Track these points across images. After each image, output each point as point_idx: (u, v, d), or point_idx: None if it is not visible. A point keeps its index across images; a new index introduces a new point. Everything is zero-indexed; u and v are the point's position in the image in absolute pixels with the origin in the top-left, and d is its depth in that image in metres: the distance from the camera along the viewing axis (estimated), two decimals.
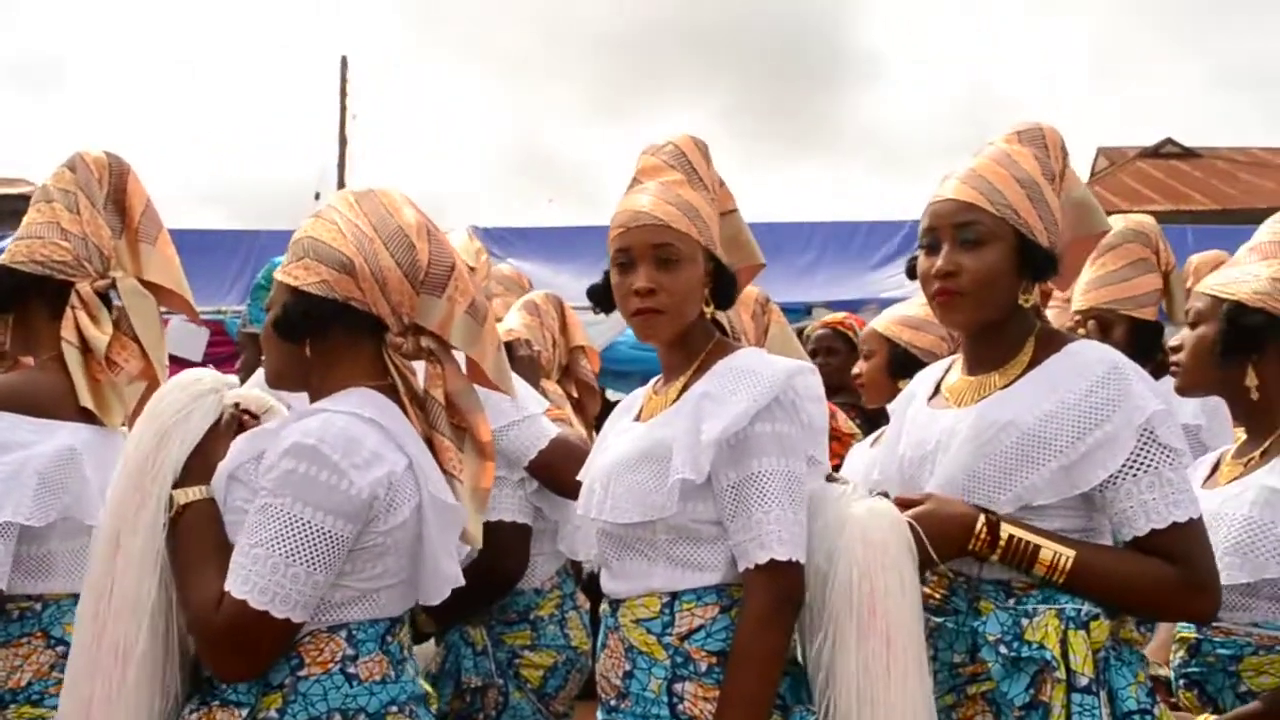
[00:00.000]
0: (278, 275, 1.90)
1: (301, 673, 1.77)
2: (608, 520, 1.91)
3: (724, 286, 1.98)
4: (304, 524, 1.72)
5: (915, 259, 1.98)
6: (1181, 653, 2.09)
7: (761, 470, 1.80)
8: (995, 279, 1.87)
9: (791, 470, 1.82)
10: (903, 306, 3.17)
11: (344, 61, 21.61)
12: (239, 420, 1.95)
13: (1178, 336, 2.27)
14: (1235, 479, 2.12)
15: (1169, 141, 19.34)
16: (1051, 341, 1.90)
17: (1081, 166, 21.79)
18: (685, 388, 1.93)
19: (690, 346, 1.97)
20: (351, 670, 1.80)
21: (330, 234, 1.85)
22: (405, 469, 1.80)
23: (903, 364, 3.13)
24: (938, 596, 1.88)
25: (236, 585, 1.71)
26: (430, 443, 1.90)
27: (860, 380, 3.06)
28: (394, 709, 1.82)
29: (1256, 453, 2.12)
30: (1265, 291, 2.10)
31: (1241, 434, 2.24)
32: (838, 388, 3.91)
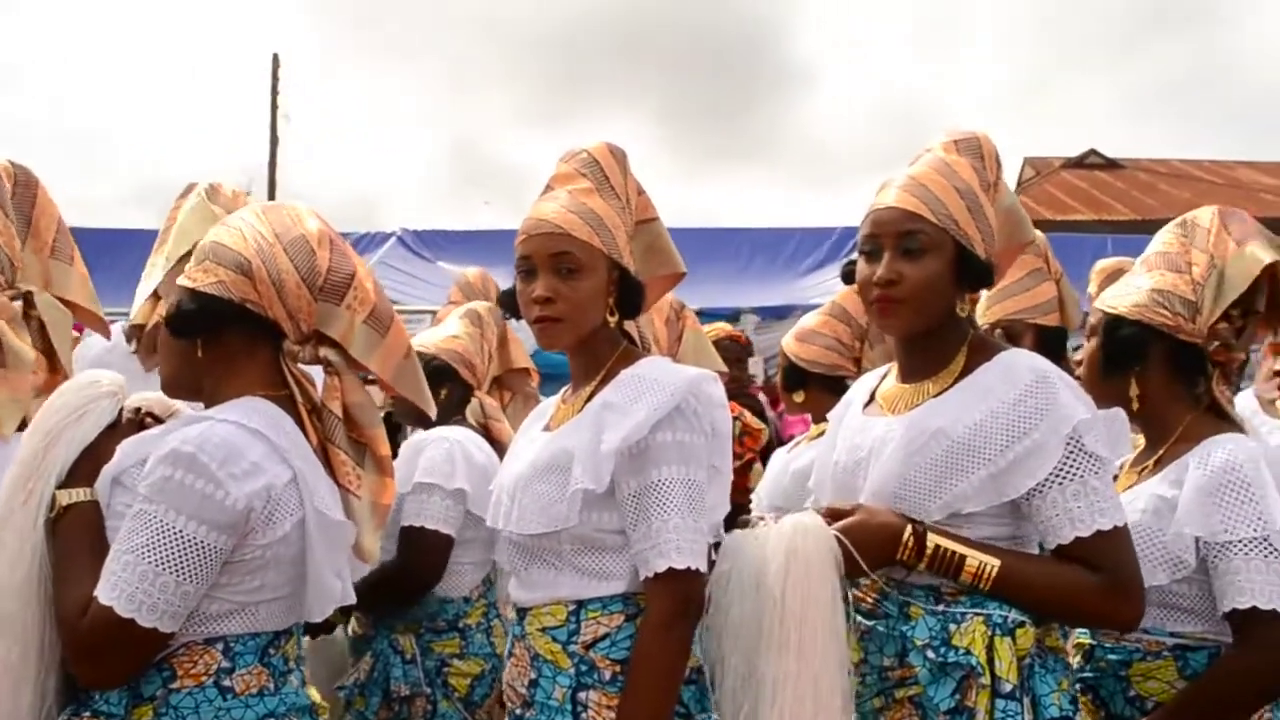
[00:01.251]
0: (178, 280, 1.88)
1: (174, 685, 1.75)
2: (514, 531, 1.91)
3: (629, 296, 1.98)
4: (176, 532, 1.69)
5: (852, 264, 1.99)
6: (1078, 658, 2.13)
7: (662, 479, 1.81)
8: (935, 288, 1.88)
9: (692, 479, 1.82)
10: (805, 318, 3.25)
11: (275, 59, 21.34)
12: (140, 424, 1.92)
13: (1083, 349, 2.32)
14: (1129, 487, 2.16)
15: (1092, 153, 19.72)
16: (983, 350, 1.92)
17: (1009, 176, 22.16)
18: (590, 397, 1.94)
19: (596, 355, 1.98)
20: (226, 683, 1.78)
21: (232, 238, 1.85)
22: (288, 483, 1.78)
23: (790, 376, 3.21)
24: (869, 601, 1.89)
25: (105, 591, 1.69)
26: (325, 455, 1.88)
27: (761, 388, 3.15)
28: None
29: (1150, 461, 2.17)
30: (1143, 304, 2.15)
31: (1142, 441, 2.28)
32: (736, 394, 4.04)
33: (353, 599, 1.95)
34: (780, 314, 7.49)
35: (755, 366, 6.99)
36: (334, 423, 1.89)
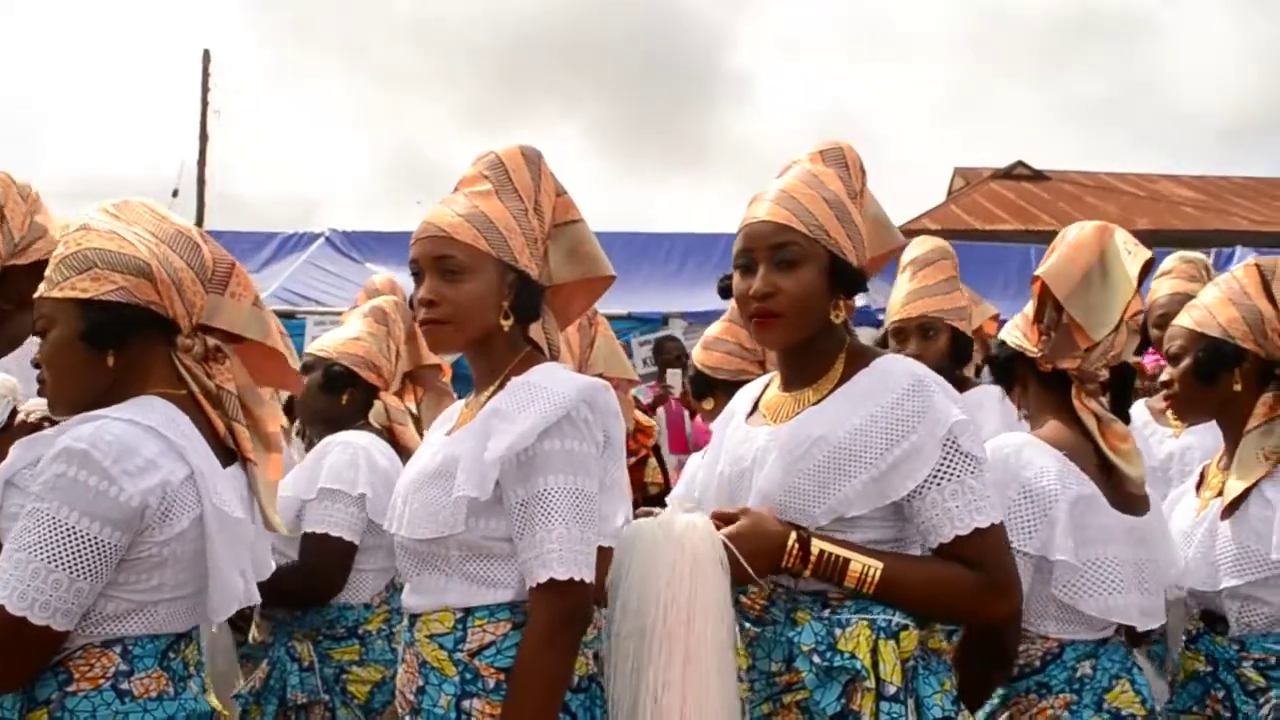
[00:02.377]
0: (54, 295, 1.84)
1: (70, 688, 1.73)
2: (404, 535, 1.90)
3: (527, 300, 1.96)
4: (68, 529, 1.68)
5: (728, 278, 1.99)
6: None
7: (548, 488, 1.79)
8: (811, 299, 1.90)
9: (580, 488, 1.80)
10: (711, 326, 3.27)
11: (206, 55, 21.05)
12: (37, 428, 1.93)
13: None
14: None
15: (1020, 164, 20.03)
16: (861, 357, 1.95)
17: (940, 185, 22.49)
18: (486, 403, 1.92)
19: (493, 360, 1.96)
20: (124, 687, 1.76)
21: (115, 243, 1.83)
22: (184, 479, 1.78)
23: (698, 384, 3.24)
24: (757, 606, 1.90)
25: None
26: (232, 434, 1.91)
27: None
28: None
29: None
30: (1008, 327, 2.32)
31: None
32: None
33: (257, 599, 1.94)
34: (709, 319, 7.47)
35: (674, 378, 7.02)
36: (232, 402, 1.92)
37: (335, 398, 3.07)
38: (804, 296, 1.90)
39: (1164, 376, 2.50)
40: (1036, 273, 2.22)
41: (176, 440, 1.79)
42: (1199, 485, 2.58)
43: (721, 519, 1.87)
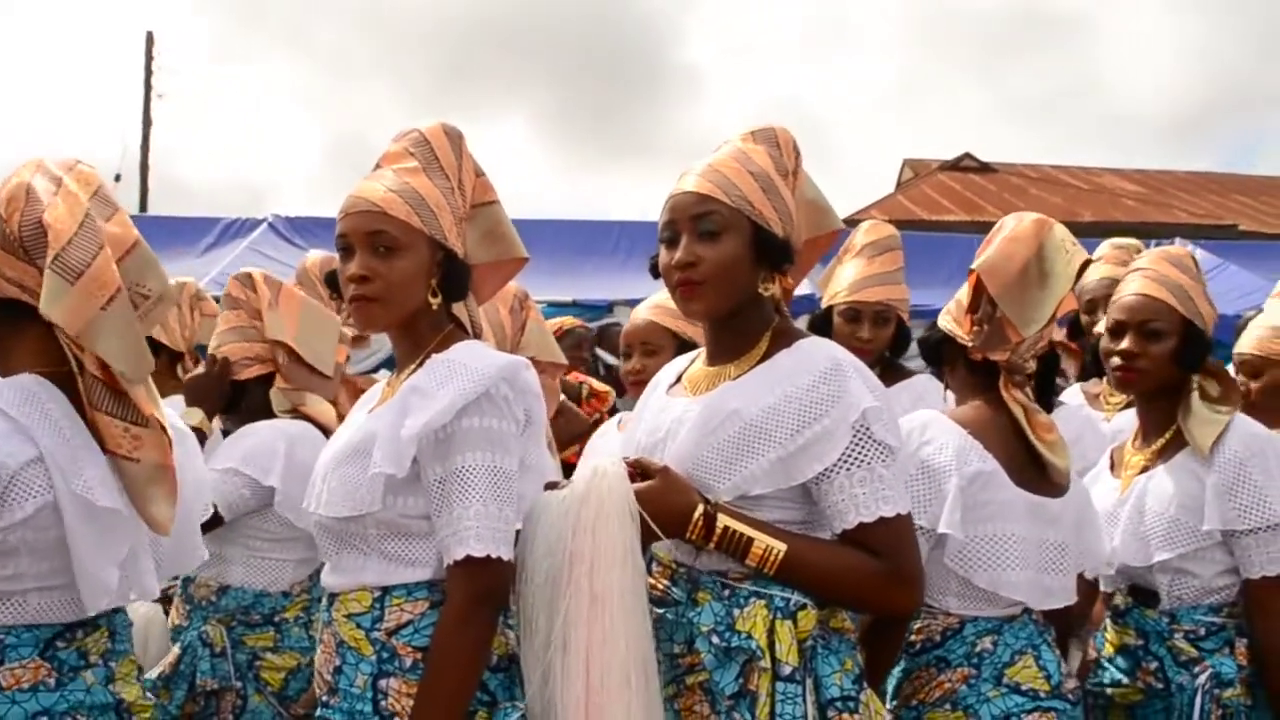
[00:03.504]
0: None
1: None
2: (322, 514, 1.88)
3: (454, 278, 1.95)
4: None
5: (656, 257, 1.99)
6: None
7: (465, 465, 1.77)
8: (733, 268, 1.89)
9: (498, 466, 1.79)
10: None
11: (150, 37, 20.76)
12: None
13: None
14: None
15: (967, 156, 20.19)
16: (785, 336, 1.94)
17: (889, 176, 22.63)
18: (405, 380, 1.90)
19: (417, 338, 1.94)
20: None
21: None
22: (27, 463, 1.68)
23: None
24: (660, 587, 1.89)
25: None
26: (95, 425, 1.76)
27: (645, 376, 3.13)
28: (43, 719, 1.72)
29: None
30: (942, 311, 2.36)
31: None
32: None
33: (153, 593, 1.87)
34: None
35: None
36: (94, 386, 1.75)
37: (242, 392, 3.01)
38: (726, 265, 1.89)
39: (1127, 344, 2.47)
40: (973, 266, 2.23)
41: (25, 421, 1.70)
42: (1112, 467, 2.61)
43: (640, 469, 1.86)
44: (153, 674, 2.83)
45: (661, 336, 3.06)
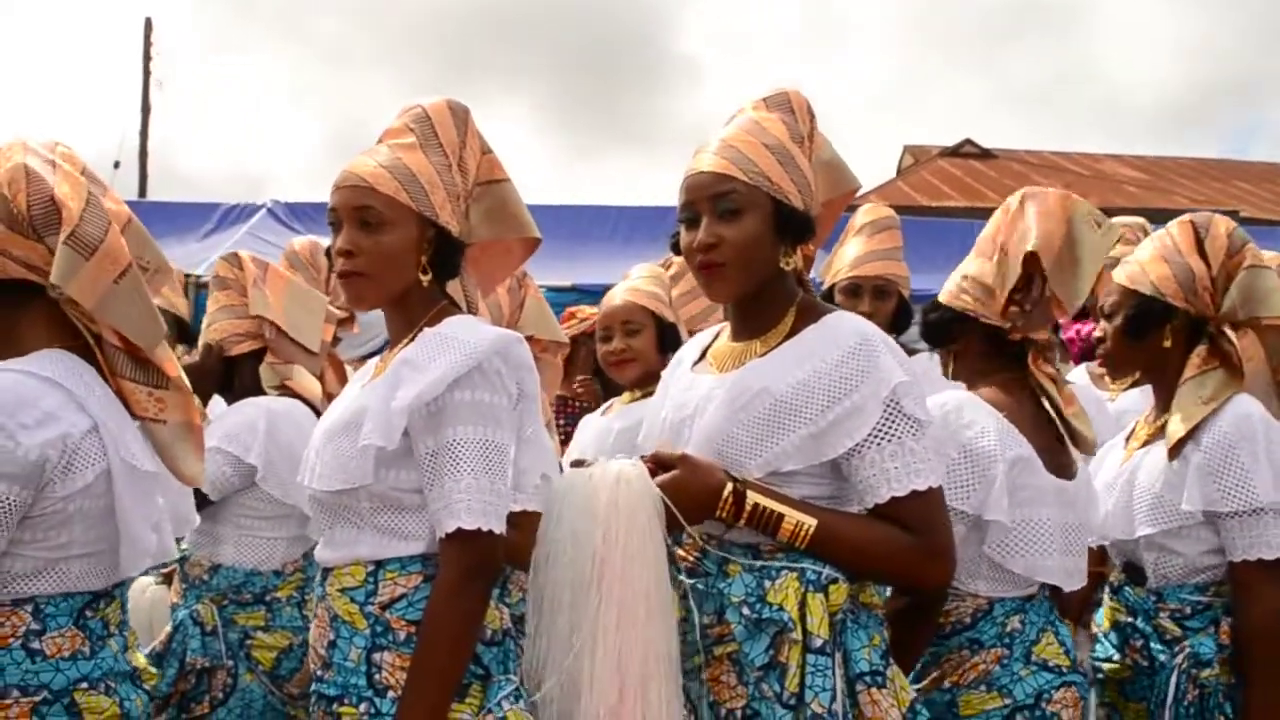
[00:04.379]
0: None
1: None
2: (315, 487, 1.88)
3: (446, 256, 1.94)
4: None
5: (678, 234, 1.98)
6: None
7: (457, 439, 1.77)
8: (755, 247, 1.88)
9: (490, 439, 1.78)
10: (651, 283, 3.24)
11: (148, 24, 20.70)
12: None
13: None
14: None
15: (968, 142, 20.14)
16: (811, 311, 1.93)
17: (890, 164, 22.59)
18: (398, 354, 1.89)
19: (409, 314, 1.93)
20: (35, 645, 1.73)
21: None
22: (86, 431, 1.73)
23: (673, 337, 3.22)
24: (691, 559, 1.89)
25: None
26: (120, 393, 1.82)
27: (629, 356, 3.13)
28: (84, 685, 1.76)
29: None
30: (950, 290, 2.30)
31: None
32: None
33: (174, 554, 1.90)
34: None
35: None
36: (115, 354, 1.82)
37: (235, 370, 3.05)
38: (748, 245, 1.88)
39: (1097, 332, 2.52)
40: (1029, 248, 2.18)
41: (78, 392, 1.74)
42: (1128, 439, 2.61)
43: (659, 463, 1.86)
44: (145, 651, 2.80)
45: (642, 316, 3.07)
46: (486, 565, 1.78)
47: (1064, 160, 20.23)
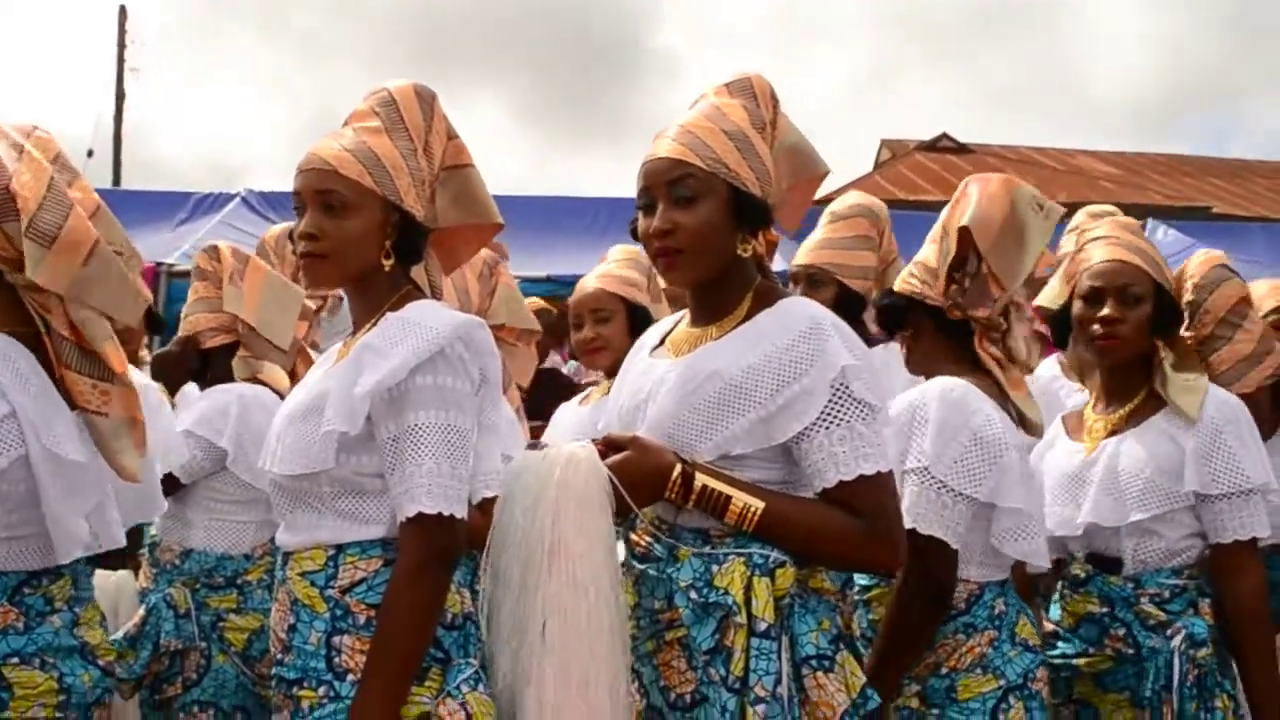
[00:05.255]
0: None
1: None
2: (276, 471, 1.88)
3: (409, 240, 1.94)
4: None
5: (635, 221, 1.97)
6: None
7: (418, 423, 1.77)
8: (711, 234, 1.88)
9: (451, 424, 1.78)
10: (625, 266, 3.24)
11: (123, 11, 20.51)
12: None
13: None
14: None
15: (944, 136, 20.24)
16: (767, 297, 1.94)
17: (867, 160, 22.65)
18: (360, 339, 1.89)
19: (372, 299, 1.93)
20: None
21: None
22: (2, 419, 1.74)
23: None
24: (643, 544, 1.90)
25: None
26: (62, 381, 1.84)
27: (599, 344, 3.13)
28: (14, 660, 1.78)
29: None
30: (902, 276, 2.36)
31: None
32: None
33: (120, 542, 1.92)
34: None
35: None
36: (62, 344, 1.84)
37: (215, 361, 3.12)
38: (704, 231, 1.88)
39: (1108, 310, 2.44)
40: (962, 223, 2.22)
41: (2, 379, 1.75)
42: (1071, 431, 2.62)
43: (611, 445, 1.86)
44: (119, 635, 2.90)
45: (612, 303, 3.07)
46: (446, 550, 1.78)
47: (1039, 155, 20.35)
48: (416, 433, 1.77)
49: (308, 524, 1.85)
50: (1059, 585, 2.57)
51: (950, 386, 2.18)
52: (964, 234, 2.22)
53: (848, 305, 3.41)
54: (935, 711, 2.14)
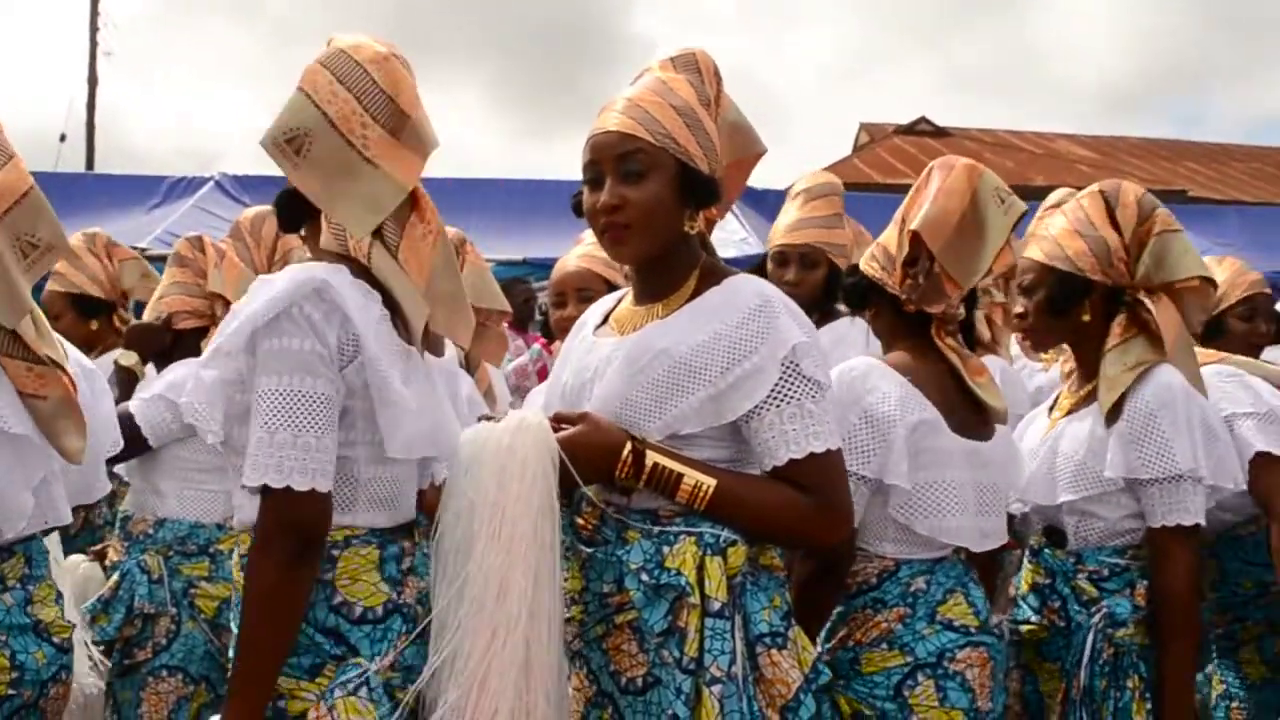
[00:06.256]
0: None
1: None
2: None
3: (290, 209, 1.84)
4: None
5: (579, 195, 1.95)
6: None
7: (261, 390, 1.65)
8: (660, 209, 1.86)
9: (292, 389, 1.64)
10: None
11: None
12: None
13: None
14: None
15: (923, 120, 20.25)
16: (713, 274, 1.92)
17: (846, 140, 22.64)
18: None
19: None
20: None
21: None
22: None
23: None
24: (590, 527, 1.86)
25: None
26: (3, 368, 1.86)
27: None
28: None
29: None
30: (866, 255, 2.34)
31: None
32: None
33: (67, 519, 1.95)
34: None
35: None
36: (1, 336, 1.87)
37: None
38: (652, 207, 1.85)
39: (1017, 309, 2.54)
40: (911, 226, 2.22)
41: None
42: (1051, 408, 2.65)
43: (563, 421, 1.83)
44: (94, 599, 2.97)
45: (595, 283, 3.04)
46: (290, 524, 1.64)
47: (1016, 139, 20.38)
48: (259, 400, 1.65)
49: (239, 502, 1.78)
50: (1025, 554, 2.60)
51: (852, 366, 2.19)
52: (914, 237, 2.21)
53: (834, 283, 3.40)
54: (841, 683, 2.13)
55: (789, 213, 3.53)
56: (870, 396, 2.14)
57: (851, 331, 3.31)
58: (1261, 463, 2.59)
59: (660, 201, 1.86)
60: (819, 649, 2.11)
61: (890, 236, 2.31)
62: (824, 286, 3.41)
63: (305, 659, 1.69)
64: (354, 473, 1.73)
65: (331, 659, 1.69)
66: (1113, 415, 2.38)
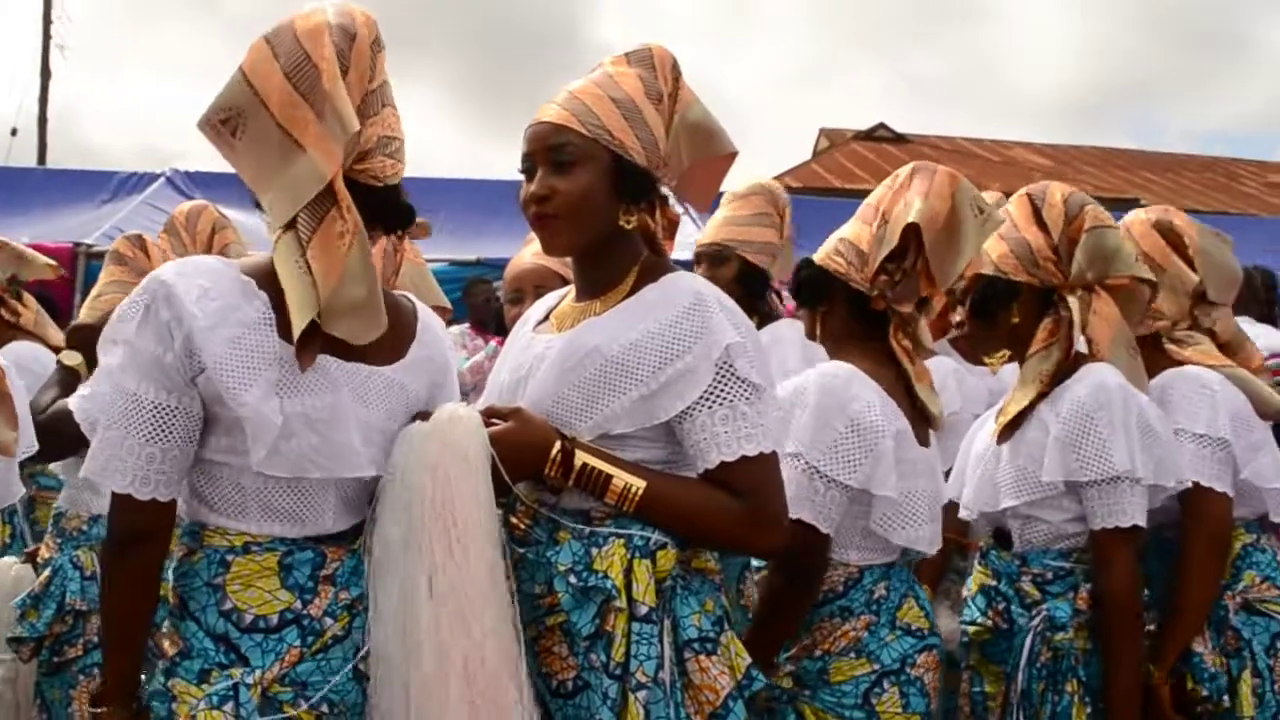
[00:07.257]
0: None
1: None
2: None
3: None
4: None
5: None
6: None
7: (104, 373, 1.66)
8: (588, 200, 1.83)
9: (123, 388, 1.62)
10: None
11: None
12: None
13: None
14: None
15: (882, 126, 20.35)
16: (653, 272, 1.89)
17: (806, 145, 22.72)
18: None
19: None
20: None
21: None
22: None
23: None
24: (522, 527, 1.84)
25: None
26: None
27: None
28: None
29: None
30: (829, 250, 2.30)
31: None
32: None
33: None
34: None
35: None
36: None
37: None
38: (581, 197, 1.83)
39: (956, 317, 2.53)
40: (910, 219, 2.18)
41: None
42: (999, 414, 2.63)
43: (495, 416, 1.79)
44: (22, 595, 2.92)
45: (553, 280, 3.00)
46: (121, 527, 1.65)
47: (975, 146, 20.50)
48: (98, 383, 1.68)
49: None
50: (977, 556, 2.60)
51: (834, 372, 2.16)
52: (911, 231, 2.18)
53: (750, 281, 3.40)
54: (807, 693, 2.12)
55: (714, 215, 3.54)
56: (855, 404, 2.11)
57: (788, 333, 3.29)
58: (1189, 490, 2.52)
59: (590, 192, 1.83)
60: (779, 658, 2.11)
61: (858, 232, 2.27)
62: (736, 284, 3.35)
63: (195, 663, 1.65)
64: (239, 481, 1.68)
65: (218, 666, 1.65)
66: (1008, 433, 2.42)
